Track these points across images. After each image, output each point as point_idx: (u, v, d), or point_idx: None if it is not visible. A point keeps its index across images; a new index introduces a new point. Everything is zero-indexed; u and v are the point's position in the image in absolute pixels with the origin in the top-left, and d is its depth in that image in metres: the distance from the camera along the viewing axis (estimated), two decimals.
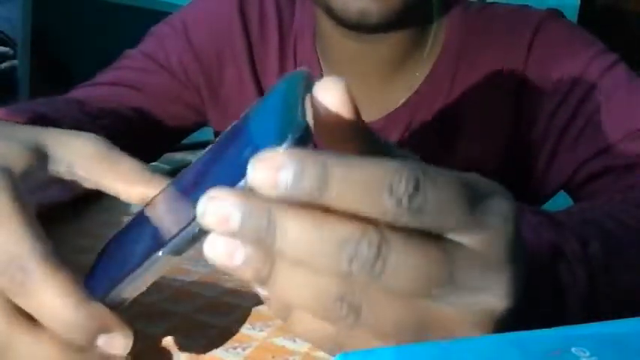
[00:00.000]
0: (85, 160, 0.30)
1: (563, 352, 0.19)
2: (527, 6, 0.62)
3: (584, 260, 0.32)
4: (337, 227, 0.20)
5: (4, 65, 1.90)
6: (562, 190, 0.61)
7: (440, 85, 0.60)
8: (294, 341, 0.32)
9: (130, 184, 0.30)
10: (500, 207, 0.22)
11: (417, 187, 0.20)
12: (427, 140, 0.60)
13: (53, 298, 0.24)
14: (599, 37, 0.60)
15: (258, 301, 0.37)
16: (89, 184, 0.31)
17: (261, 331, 0.33)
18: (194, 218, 0.20)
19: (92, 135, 0.31)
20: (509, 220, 0.23)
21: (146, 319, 0.35)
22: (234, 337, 0.33)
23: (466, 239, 0.22)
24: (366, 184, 0.19)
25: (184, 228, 0.22)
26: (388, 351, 0.20)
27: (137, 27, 0.72)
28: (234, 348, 0.32)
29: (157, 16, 0.73)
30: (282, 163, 0.19)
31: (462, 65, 0.60)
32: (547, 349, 0.20)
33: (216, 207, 0.19)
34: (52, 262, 0.25)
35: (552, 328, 0.21)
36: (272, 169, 0.19)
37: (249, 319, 0.35)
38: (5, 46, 1.92)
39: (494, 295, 0.22)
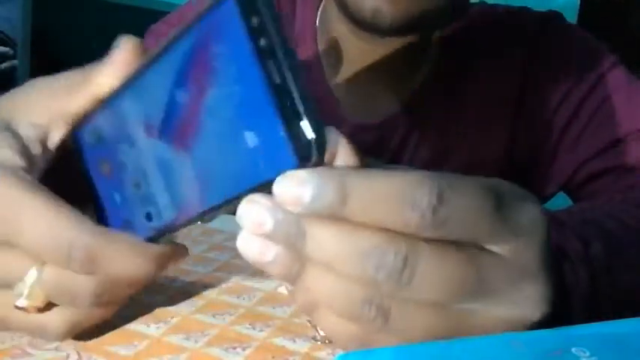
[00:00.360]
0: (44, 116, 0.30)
1: (563, 352, 0.19)
2: (527, 7, 0.62)
3: (586, 260, 0.32)
4: (364, 236, 0.20)
5: (4, 65, 1.90)
6: (562, 191, 0.61)
7: (440, 87, 0.60)
8: (294, 341, 0.32)
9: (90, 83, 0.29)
10: (530, 212, 0.22)
11: (440, 199, 0.20)
12: (428, 141, 0.60)
13: (126, 260, 0.26)
14: (599, 37, 0.60)
15: (259, 301, 0.37)
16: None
17: (261, 331, 0.33)
18: (226, 201, 0.22)
19: (31, 81, 0.31)
20: (540, 225, 0.22)
21: (146, 319, 0.35)
22: (234, 337, 0.33)
23: (498, 247, 0.21)
24: (387, 198, 0.19)
25: (217, 207, 0.23)
26: (388, 351, 0.20)
27: (137, 27, 0.72)
28: (234, 348, 0.32)
29: (157, 16, 0.72)
30: (304, 180, 0.19)
31: (462, 66, 0.60)
32: (547, 349, 0.20)
33: (252, 212, 0.20)
34: (102, 230, 0.27)
35: (552, 328, 0.21)
36: (294, 187, 0.19)
37: (249, 319, 0.35)
38: (5, 46, 1.91)
39: (529, 307, 0.22)
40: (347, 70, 0.61)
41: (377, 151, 0.61)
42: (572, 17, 1.58)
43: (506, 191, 0.22)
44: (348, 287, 0.21)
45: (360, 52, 0.59)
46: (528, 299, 0.22)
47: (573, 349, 0.20)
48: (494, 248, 0.21)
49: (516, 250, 0.22)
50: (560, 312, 0.31)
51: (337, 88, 0.62)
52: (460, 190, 0.20)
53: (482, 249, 0.21)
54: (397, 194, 0.19)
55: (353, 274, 0.20)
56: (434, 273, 0.20)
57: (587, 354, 0.19)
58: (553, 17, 0.60)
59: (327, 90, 0.62)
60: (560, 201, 0.60)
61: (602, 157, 0.54)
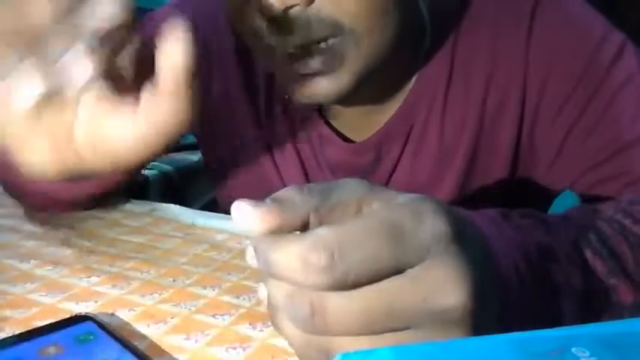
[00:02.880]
0: None
1: (563, 352, 0.19)
2: None
3: (577, 262, 0.32)
4: (277, 289, 0.24)
5: None
6: (565, 190, 0.60)
7: (436, 83, 0.58)
8: None
9: None
10: (430, 230, 0.24)
11: (332, 259, 0.22)
12: (427, 143, 0.60)
13: None
14: (606, 16, 0.57)
15: (259, 301, 0.37)
16: None
17: (261, 331, 0.34)
18: None
19: None
20: (445, 236, 0.24)
21: (146, 320, 0.35)
22: (234, 337, 0.33)
23: (408, 272, 0.23)
24: (289, 264, 0.23)
25: None
26: (388, 351, 0.20)
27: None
28: (234, 348, 0.32)
29: None
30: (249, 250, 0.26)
31: (458, 62, 0.58)
32: (547, 349, 0.20)
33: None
34: None
35: (552, 328, 0.21)
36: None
37: (249, 319, 0.35)
38: None
39: (453, 306, 0.24)
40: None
41: (373, 171, 0.60)
42: None
43: (405, 218, 0.24)
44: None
45: None
46: (450, 302, 0.24)
47: (573, 349, 0.20)
48: (404, 274, 0.23)
49: (426, 269, 0.23)
50: (552, 312, 0.30)
51: (330, 113, 0.61)
52: (354, 243, 0.23)
53: (394, 274, 0.23)
54: (295, 261, 0.23)
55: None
56: (344, 313, 0.23)
57: (587, 354, 0.19)
58: None
59: (320, 115, 0.61)
60: (562, 201, 0.60)
61: (611, 162, 0.52)
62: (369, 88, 0.54)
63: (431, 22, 0.57)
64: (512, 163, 0.59)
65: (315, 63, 0.46)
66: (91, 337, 0.31)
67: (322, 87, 0.47)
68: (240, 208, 0.25)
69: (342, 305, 0.23)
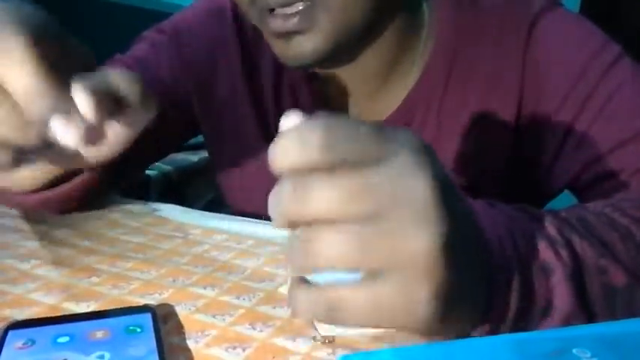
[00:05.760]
0: None
1: (564, 352, 0.19)
2: None
3: (564, 244, 0.32)
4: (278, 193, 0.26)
5: None
6: (565, 190, 0.61)
7: (435, 84, 0.59)
8: (294, 341, 0.32)
9: None
10: (403, 132, 0.26)
11: (325, 136, 0.24)
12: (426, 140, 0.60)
13: None
14: (601, 26, 0.58)
15: (259, 301, 0.37)
16: None
17: (261, 331, 0.34)
18: None
19: None
20: (415, 139, 0.26)
21: None
22: (234, 337, 0.33)
23: (384, 164, 0.25)
24: (293, 142, 0.25)
25: None
26: (388, 352, 0.20)
27: (137, 27, 0.72)
28: (234, 348, 0.32)
29: (157, 16, 0.72)
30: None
31: (457, 62, 0.58)
32: (548, 349, 0.20)
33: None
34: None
35: (553, 329, 0.21)
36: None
37: (249, 319, 0.35)
38: None
39: (423, 212, 0.24)
40: (332, 84, 0.60)
41: None
42: (573, 6, 1.57)
43: (382, 125, 0.26)
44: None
45: (333, 71, 0.58)
46: (420, 202, 0.25)
47: (574, 350, 0.20)
48: (381, 165, 0.25)
49: (395, 165, 0.25)
50: (543, 289, 0.31)
51: (332, 101, 0.62)
52: (341, 123, 0.25)
53: (370, 169, 0.25)
54: (297, 138, 0.25)
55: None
56: (325, 189, 0.24)
57: (588, 355, 0.19)
58: (551, 5, 0.58)
59: (321, 106, 0.62)
60: (561, 201, 0.60)
61: (609, 159, 0.53)
62: (367, 68, 0.58)
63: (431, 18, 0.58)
64: (510, 164, 0.59)
65: (290, 22, 0.50)
66: (138, 330, 0.32)
67: (300, 46, 0.51)
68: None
69: (325, 179, 0.25)
